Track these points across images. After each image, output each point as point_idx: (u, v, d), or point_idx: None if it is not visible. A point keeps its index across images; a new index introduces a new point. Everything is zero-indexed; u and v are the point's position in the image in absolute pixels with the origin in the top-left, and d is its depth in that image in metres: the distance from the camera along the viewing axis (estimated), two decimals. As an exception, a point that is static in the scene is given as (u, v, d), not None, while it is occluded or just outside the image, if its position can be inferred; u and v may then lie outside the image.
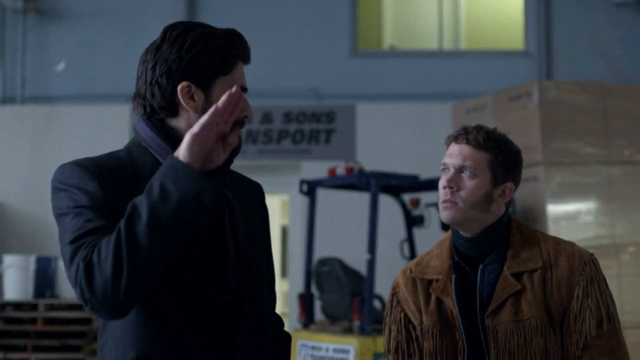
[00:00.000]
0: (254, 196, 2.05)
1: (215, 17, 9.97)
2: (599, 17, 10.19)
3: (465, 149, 2.19)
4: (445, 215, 2.18)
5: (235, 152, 1.78)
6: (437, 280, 2.22)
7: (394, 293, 2.33)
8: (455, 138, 2.23)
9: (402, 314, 2.28)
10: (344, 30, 10.41)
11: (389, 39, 11.43)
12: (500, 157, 2.21)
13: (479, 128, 2.23)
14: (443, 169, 2.23)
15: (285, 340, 2.12)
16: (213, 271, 1.78)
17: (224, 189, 1.84)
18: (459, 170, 2.18)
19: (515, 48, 10.55)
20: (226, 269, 1.79)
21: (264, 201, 2.09)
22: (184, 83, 1.78)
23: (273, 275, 2.09)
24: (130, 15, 10.35)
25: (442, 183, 2.20)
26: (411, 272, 2.30)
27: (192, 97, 1.79)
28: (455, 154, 2.20)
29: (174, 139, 1.79)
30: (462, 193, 2.16)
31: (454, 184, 2.17)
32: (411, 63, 10.33)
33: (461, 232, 2.22)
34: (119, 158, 1.82)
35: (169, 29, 1.82)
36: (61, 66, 10.46)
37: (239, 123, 1.77)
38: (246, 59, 1.86)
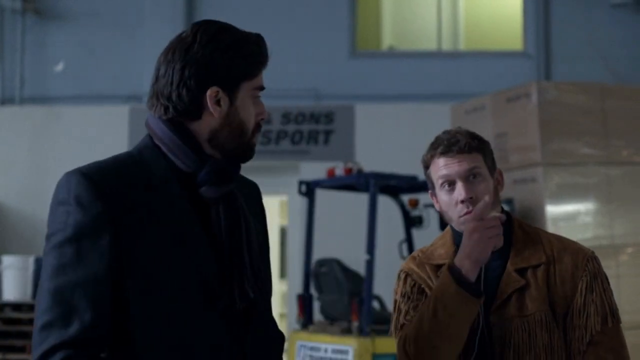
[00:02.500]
0: (253, 197, 1.98)
1: (214, 17, 9.91)
2: (598, 17, 10.19)
3: (462, 157, 2.18)
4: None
5: (249, 156, 1.84)
6: (445, 264, 2.22)
7: (407, 275, 2.30)
8: (443, 153, 2.20)
9: (417, 287, 2.26)
10: (343, 30, 10.41)
11: (388, 39, 11.43)
12: (486, 151, 2.24)
13: (457, 133, 2.23)
14: (444, 183, 2.20)
15: (280, 340, 2.06)
16: (227, 282, 1.76)
17: (241, 201, 1.82)
18: (467, 178, 2.18)
19: (514, 49, 10.55)
20: (244, 279, 1.77)
21: (262, 201, 2.03)
22: (213, 88, 1.75)
23: (270, 277, 2.04)
24: (129, 15, 10.33)
25: (457, 197, 2.17)
26: (419, 257, 2.32)
27: (218, 103, 1.77)
28: (455, 166, 2.18)
29: (192, 142, 1.77)
30: (486, 198, 2.14)
31: (473, 194, 2.16)
32: (410, 64, 10.33)
33: None
34: (132, 164, 1.74)
35: (199, 29, 1.78)
36: (60, 66, 10.46)
37: (257, 126, 1.83)
38: (266, 64, 1.89)
